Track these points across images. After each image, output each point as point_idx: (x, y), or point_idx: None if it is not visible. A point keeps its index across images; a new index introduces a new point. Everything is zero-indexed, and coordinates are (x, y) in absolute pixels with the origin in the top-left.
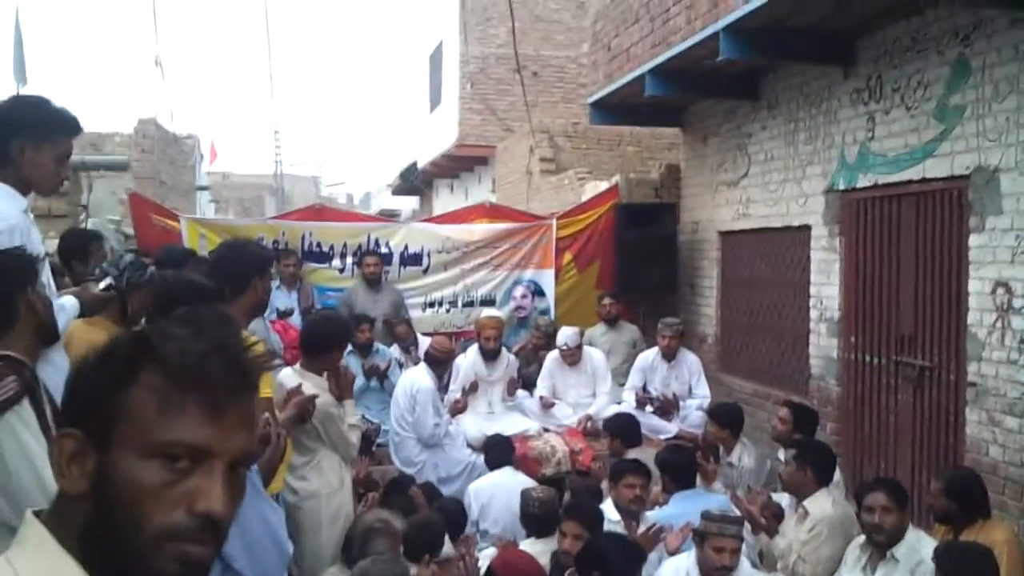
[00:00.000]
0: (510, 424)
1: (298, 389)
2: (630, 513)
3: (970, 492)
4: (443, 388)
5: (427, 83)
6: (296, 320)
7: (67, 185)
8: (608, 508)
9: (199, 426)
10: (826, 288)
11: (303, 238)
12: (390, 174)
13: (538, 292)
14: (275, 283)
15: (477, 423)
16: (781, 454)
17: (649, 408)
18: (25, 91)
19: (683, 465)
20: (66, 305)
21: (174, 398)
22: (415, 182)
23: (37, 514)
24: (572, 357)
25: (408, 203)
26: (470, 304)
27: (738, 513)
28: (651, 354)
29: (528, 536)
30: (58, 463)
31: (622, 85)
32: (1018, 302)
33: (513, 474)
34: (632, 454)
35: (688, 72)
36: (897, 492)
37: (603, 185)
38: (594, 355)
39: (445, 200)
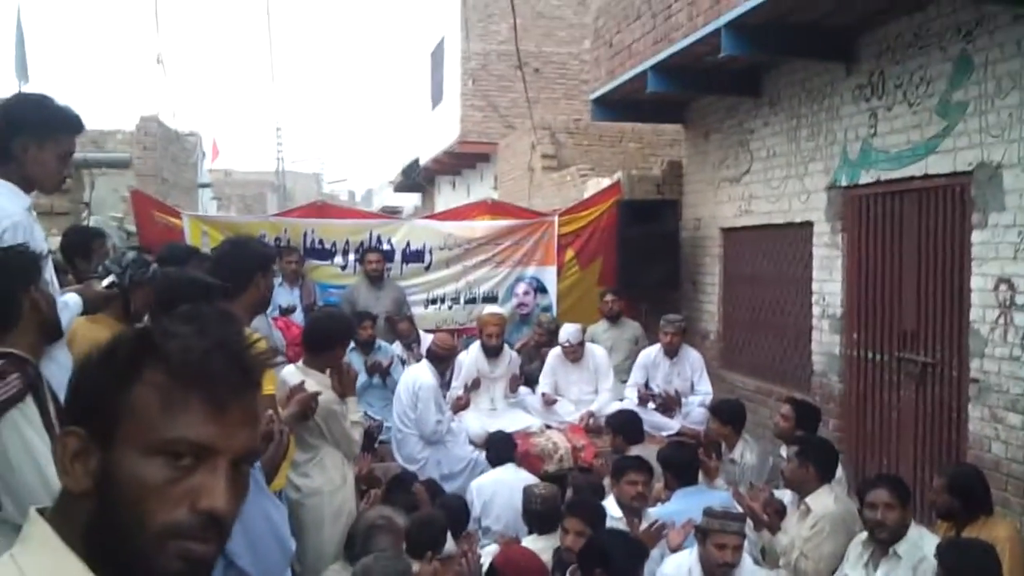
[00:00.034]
0: (512, 421)
1: (301, 386)
2: (632, 510)
3: (972, 489)
4: (445, 385)
5: (429, 80)
6: (298, 317)
7: (69, 183)
8: (610, 505)
9: (202, 423)
10: (828, 284)
11: (305, 235)
12: (392, 171)
13: (540, 289)
14: (277, 280)
15: (479, 420)
16: (783, 451)
17: (651, 405)
18: (27, 89)
19: (685, 462)
20: (69, 303)
21: (177, 395)
22: (417, 179)
23: (41, 512)
24: (574, 354)
25: (410, 200)
26: (472, 301)
27: (740, 510)
28: (653, 351)
29: (530, 533)
30: (61, 461)
31: (624, 81)
32: (1020, 298)
33: (515, 471)
34: (634, 451)
35: (690, 68)
36: (899, 489)
37: (605, 182)
38: (596, 352)
39: (447, 197)
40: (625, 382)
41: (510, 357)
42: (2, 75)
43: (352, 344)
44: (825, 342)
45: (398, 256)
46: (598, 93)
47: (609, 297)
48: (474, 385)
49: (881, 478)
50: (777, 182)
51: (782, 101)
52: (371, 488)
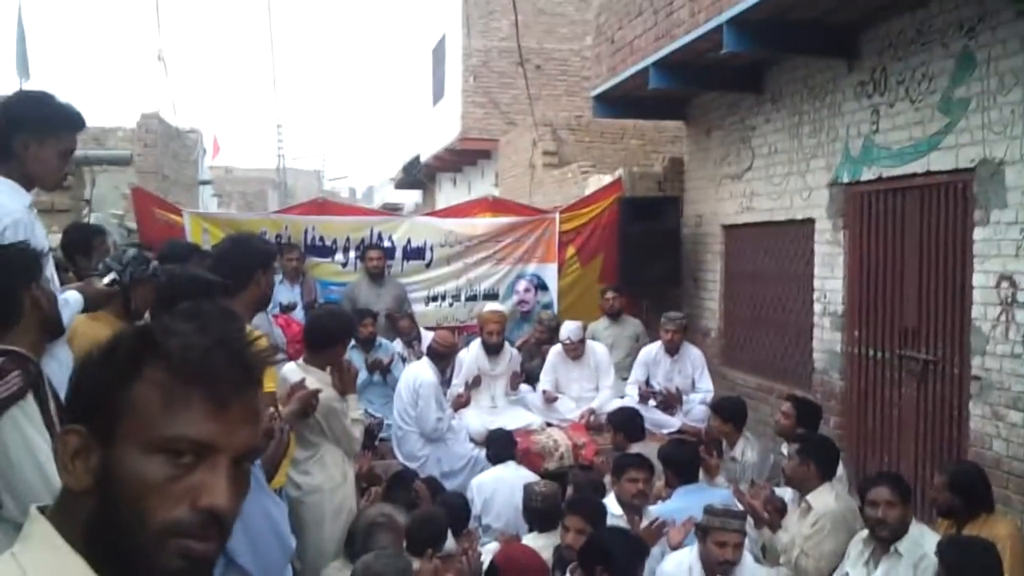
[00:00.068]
0: (513, 418)
1: (301, 384)
2: (633, 507)
3: (973, 486)
4: (446, 382)
5: (430, 77)
6: (299, 315)
7: (70, 180)
8: (611, 502)
9: (203, 421)
10: (830, 282)
11: (306, 232)
12: (393, 168)
13: (541, 286)
14: (278, 278)
15: (480, 417)
16: (784, 448)
17: (652, 402)
18: (28, 86)
19: (686, 459)
20: (70, 300)
21: (178, 393)
22: (418, 176)
23: (42, 510)
24: (575, 351)
25: (411, 197)
26: (473, 298)
27: (741, 507)
28: (654, 348)
29: (531, 531)
30: (62, 459)
31: (625, 78)
32: (1022, 295)
33: (516, 468)
34: (635, 448)
35: (692, 65)
36: (900, 486)
37: (606, 179)
38: (597, 349)
39: (448, 194)
40: (626, 379)
41: (511, 355)
42: (3, 72)
43: (353, 342)
44: (826, 339)
45: (399, 253)
46: (599, 89)
47: (610, 294)
48: (475, 383)
49: (882, 476)
50: (779, 179)
51: (784, 98)
52: (371, 486)
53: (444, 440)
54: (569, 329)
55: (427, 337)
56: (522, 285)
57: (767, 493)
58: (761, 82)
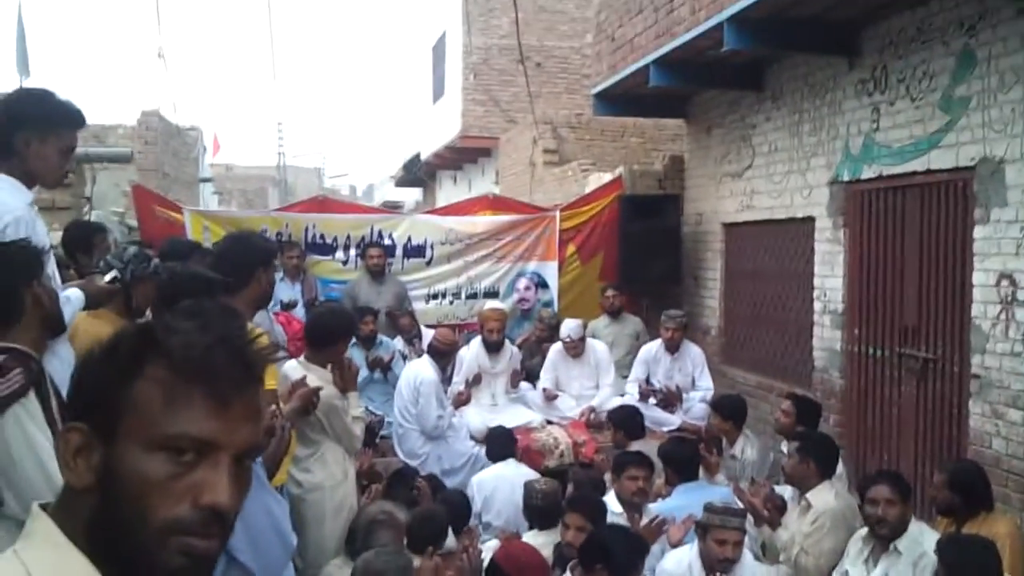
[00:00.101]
0: (513, 416)
1: (302, 381)
2: (633, 505)
3: (973, 485)
4: (446, 380)
5: (430, 74)
6: (300, 312)
7: (71, 177)
8: (611, 500)
9: (205, 419)
10: (830, 280)
11: (306, 230)
12: (393, 166)
13: (541, 284)
14: (279, 275)
15: (480, 415)
16: (784, 446)
17: (652, 400)
18: (28, 83)
19: (686, 457)
20: (71, 298)
21: (179, 391)
22: (418, 174)
23: (44, 508)
24: (575, 349)
25: (411, 195)
26: (473, 296)
27: (741, 505)
28: (654, 346)
29: (531, 528)
30: (64, 457)
31: (626, 76)
32: (1022, 294)
33: (516, 466)
34: (635, 446)
35: (692, 63)
36: (900, 485)
37: (607, 176)
38: (597, 347)
39: (448, 192)
40: (626, 377)
41: (511, 352)
42: (3, 70)
43: (354, 339)
44: (826, 338)
45: (399, 251)
46: (600, 87)
47: (610, 292)
48: (475, 380)
49: (882, 474)
50: (779, 177)
51: (784, 96)
52: (372, 483)
53: (445, 438)
54: (569, 327)
55: (428, 335)
56: (522, 283)
57: (767, 491)
58: (762, 80)
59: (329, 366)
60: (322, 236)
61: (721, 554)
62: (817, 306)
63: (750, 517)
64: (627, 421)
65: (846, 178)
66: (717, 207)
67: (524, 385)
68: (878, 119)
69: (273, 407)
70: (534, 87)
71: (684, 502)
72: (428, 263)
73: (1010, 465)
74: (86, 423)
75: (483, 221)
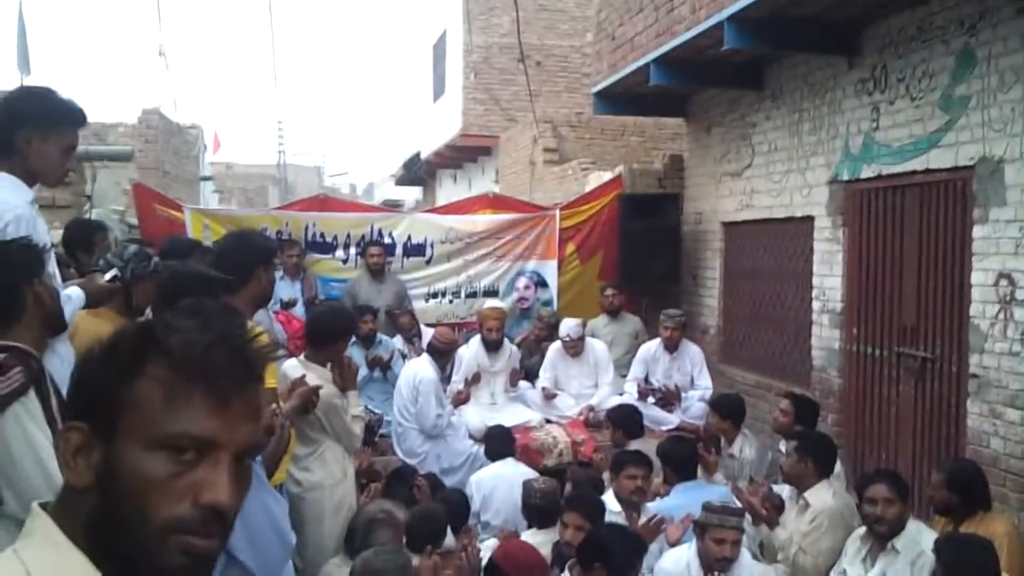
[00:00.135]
0: (512, 415)
1: (302, 380)
2: (631, 504)
3: (971, 484)
4: (446, 379)
5: (431, 73)
6: (300, 311)
7: (71, 176)
8: (609, 499)
9: (205, 418)
10: (829, 279)
11: (306, 229)
12: (393, 164)
13: (541, 283)
14: (279, 274)
15: (479, 414)
16: (782, 446)
17: (651, 399)
18: (29, 81)
19: (684, 456)
20: (72, 296)
21: (180, 390)
22: (418, 172)
23: (43, 507)
24: (574, 348)
25: (411, 193)
26: (473, 295)
27: (739, 504)
28: (653, 345)
29: (530, 527)
30: (64, 456)
31: (626, 75)
32: (1021, 294)
33: (515, 465)
34: (634, 445)
35: (692, 62)
36: (898, 484)
37: (606, 175)
38: (596, 346)
39: (448, 190)
40: (625, 376)
41: (510, 351)
42: (4, 68)
43: (353, 338)
44: (825, 337)
45: (399, 250)
46: (600, 86)
47: (609, 291)
48: (474, 379)
49: (880, 473)
50: (778, 176)
51: (784, 95)
52: (371, 482)
53: (444, 436)
54: (568, 326)
55: (427, 334)
56: (522, 282)
57: (765, 490)
58: (762, 79)
59: (329, 365)
60: (322, 235)
61: (719, 553)
62: (816, 305)
63: (748, 516)
64: (626, 420)
65: (845, 177)
66: (717, 206)
67: (523, 384)
68: (878, 118)
69: (273, 406)
70: (534, 86)
71: (682, 501)
72: (428, 262)
73: (1008, 464)
74: (86, 422)
75: (483, 220)
